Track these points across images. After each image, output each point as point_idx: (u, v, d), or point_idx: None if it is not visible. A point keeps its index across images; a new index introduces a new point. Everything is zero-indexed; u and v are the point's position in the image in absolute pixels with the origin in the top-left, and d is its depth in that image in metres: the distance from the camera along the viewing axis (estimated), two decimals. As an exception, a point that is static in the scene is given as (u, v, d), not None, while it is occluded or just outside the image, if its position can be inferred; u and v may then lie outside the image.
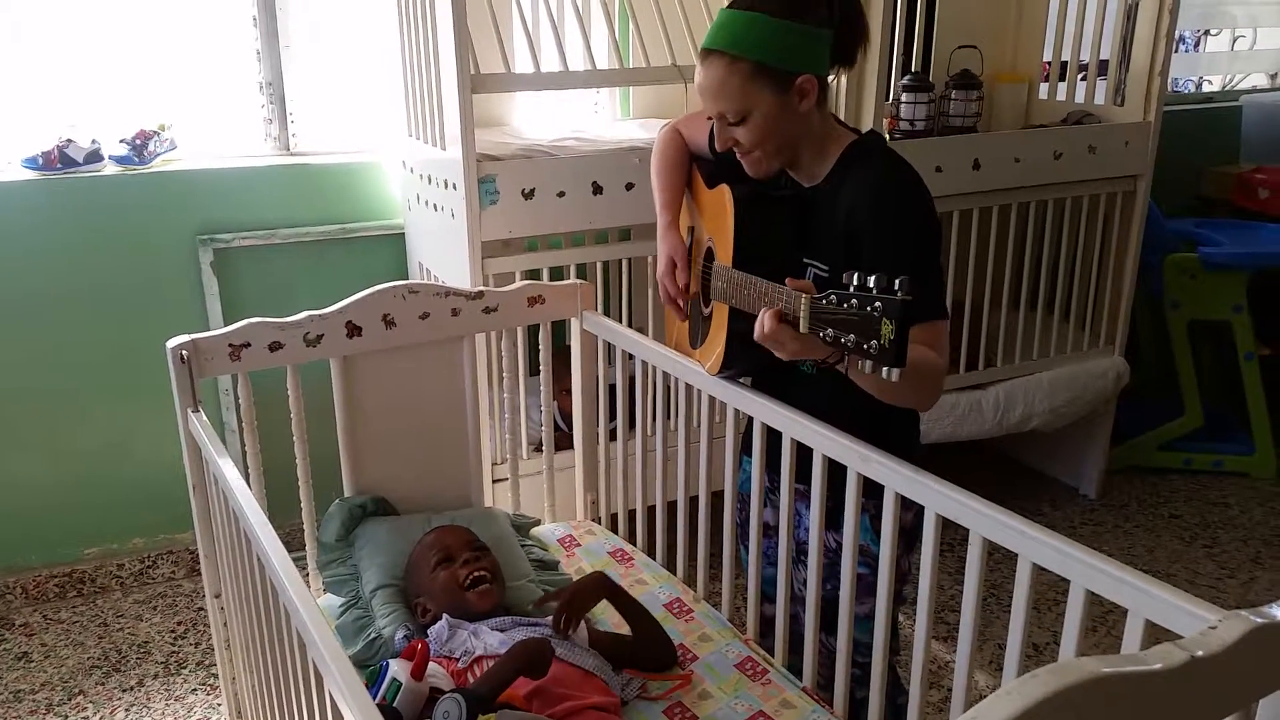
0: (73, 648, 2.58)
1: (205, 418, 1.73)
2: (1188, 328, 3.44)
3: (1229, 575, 2.91)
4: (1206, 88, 4.31)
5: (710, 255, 1.75)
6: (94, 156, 2.65)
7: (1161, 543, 3.07)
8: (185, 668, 2.50)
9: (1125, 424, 3.43)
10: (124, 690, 2.42)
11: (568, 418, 2.47)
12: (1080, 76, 3.15)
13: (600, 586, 1.70)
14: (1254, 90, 4.26)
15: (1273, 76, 4.36)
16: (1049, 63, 3.24)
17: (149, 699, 2.39)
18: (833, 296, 1.24)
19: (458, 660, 1.57)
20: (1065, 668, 0.79)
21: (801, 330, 1.31)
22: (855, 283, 1.22)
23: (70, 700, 2.38)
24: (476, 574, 1.67)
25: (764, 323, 1.35)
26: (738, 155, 1.62)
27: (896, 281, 1.16)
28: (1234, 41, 4.33)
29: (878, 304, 1.17)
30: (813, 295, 1.29)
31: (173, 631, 2.65)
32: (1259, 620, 0.90)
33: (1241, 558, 3.00)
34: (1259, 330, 3.41)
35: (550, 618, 1.71)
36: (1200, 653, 0.85)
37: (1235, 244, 3.36)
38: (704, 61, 1.55)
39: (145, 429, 2.77)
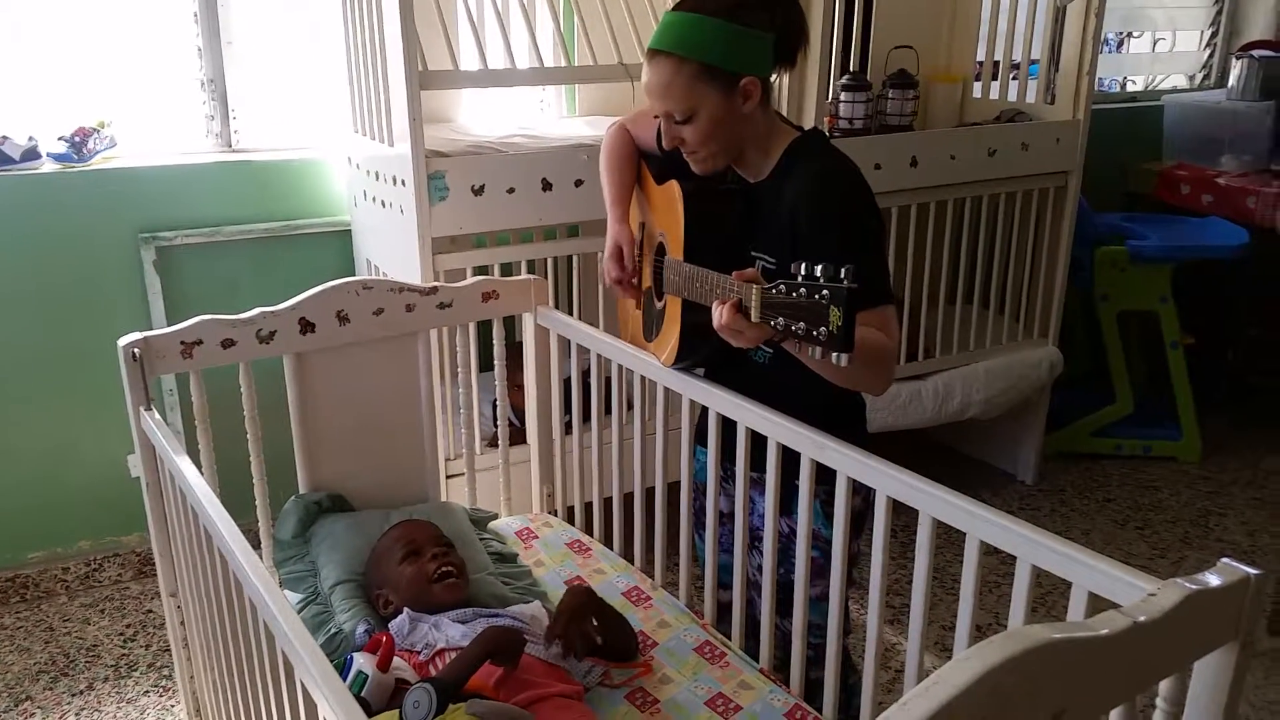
0: (18, 653, 2.53)
1: (159, 416, 1.72)
2: (1117, 318, 3.57)
3: (1160, 555, 3.02)
4: (1130, 88, 4.45)
5: (662, 250, 1.78)
6: (31, 154, 2.60)
7: (1096, 525, 3.19)
8: (136, 670, 2.47)
9: (1059, 412, 3.54)
10: (73, 695, 2.38)
11: (520, 413, 2.49)
12: (1011, 76, 3.25)
13: (589, 599, 1.70)
14: (1175, 90, 4.42)
15: (1191, 78, 4.53)
16: (981, 62, 3.33)
17: (100, 703, 2.36)
18: (781, 286, 1.29)
19: (419, 653, 1.59)
20: (1019, 634, 0.84)
21: (753, 319, 1.35)
22: (803, 273, 1.26)
23: (17, 706, 2.34)
24: (444, 568, 1.69)
25: (721, 314, 1.39)
26: (684, 153, 1.66)
27: (843, 270, 1.21)
28: (1155, 44, 4.49)
29: (825, 292, 1.22)
30: (763, 285, 1.33)
31: (121, 634, 2.61)
32: (1193, 587, 0.97)
33: (1171, 539, 3.13)
34: (1182, 320, 3.55)
35: (512, 608, 1.74)
36: (1142, 618, 0.91)
37: (1161, 237, 3.48)
38: (651, 62, 1.59)
39: (89, 430, 2.73)
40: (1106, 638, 0.89)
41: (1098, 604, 1.19)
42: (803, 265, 1.25)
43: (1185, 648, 1.00)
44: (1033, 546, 1.23)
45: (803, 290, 1.24)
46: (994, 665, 0.81)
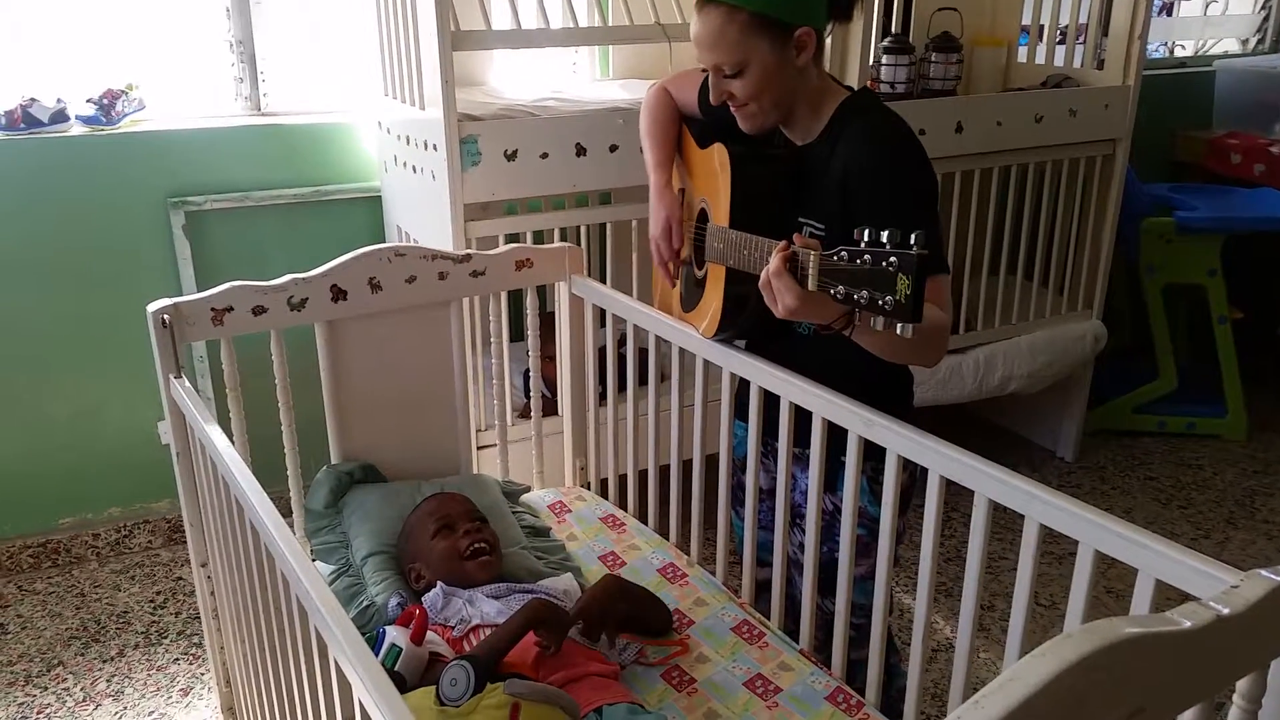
0: (50, 619, 2.53)
1: (189, 384, 1.69)
2: (1162, 291, 3.47)
3: (1204, 536, 2.95)
4: (1179, 53, 4.32)
5: (703, 216, 1.72)
6: (59, 116, 2.57)
7: (1138, 504, 3.12)
8: (166, 637, 2.46)
9: (1101, 387, 3.46)
10: (104, 661, 2.38)
11: (551, 385, 2.44)
12: (1058, 40, 3.15)
13: (617, 591, 1.64)
14: (1226, 55, 4.28)
15: (1244, 42, 4.39)
16: (1027, 26, 3.23)
17: (130, 669, 2.35)
18: (843, 252, 1.23)
19: (453, 628, 1.55)
20: (1098, 628, 0.79)
21: (810, 288, 1.29)
22: (866, 238, 1.20)
23: (49, 671, 2.34)
24: (477, 544, 1.65)
25: (772, 264, 1.33)
26: (733, 109, 1.60)
27: (912, 236, 1.15)
28: (1206, 6, 4.34)
29: (892, 259, 1.15)
30: (821, 252, 1.27)
31: (152, 601, 2.61)
32: (1279, 579, 0.91)
33: (1216, 519, 3.05)
34: (1231, 294, 3.45)
35: (544, 582, 1.70)
36: (1226, 611, 0.85)
37: (1210, 208, 3.38)
38: (700, 11, 1.52)
39: (118, 396, 2.72)
40: (1189, 632, 0.83)
41: (1164, 592, 1.14)
42: (866, 231, 1.19)
43: (1266, 644, 0.94)
44: (1096, 530, 1.18)
45: (867, 257, 1.18)
46: (1073, 662, 0.75)
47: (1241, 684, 0.98)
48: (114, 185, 2.60)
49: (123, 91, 2.63)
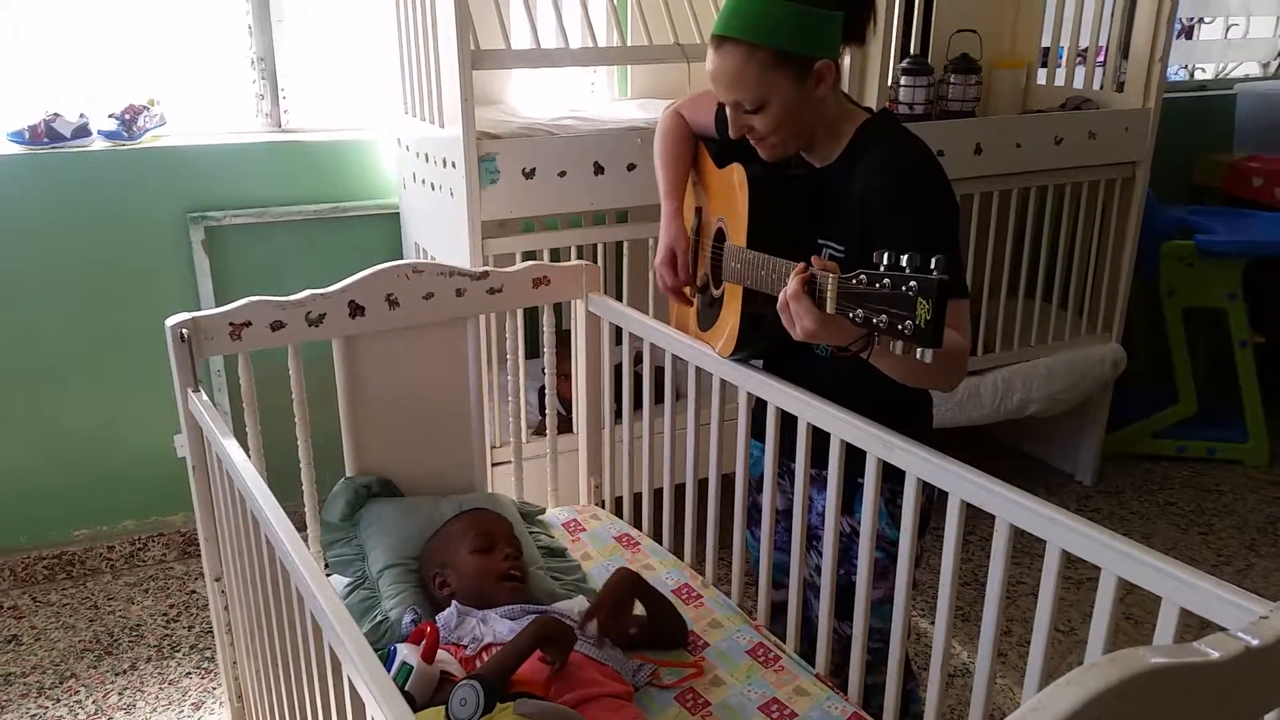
0: (63, 630, 2.54)
1: (206, 398, 1.69)
2: (1182, 315, 3.45)
3: (1225, 563, 2.92)
4: (1200, 76, 4.30)
5: (720, 236, 1.72)
6: (82, 131, 2.59)
7: (1157, 530, 3.09)
8: (179, 651, 2.46)
9: (1119, 411, 3.43)
10: (116, 674, 2.38)
11: (566, 402, 2.44)
12: (1077, 62, 3.14)
13: (632, 585, 1.67)
14: (1247, 79, 4.26)
15: (1265, 65, 4.37)
16: (1047, 48, 3.23)
17: (142, 682, 2.35)
18: (862, 276, 1.22)
19: (465, 647, 1.55)
20: (1124, 658, 0.77)
21: (828, 310, 1.28)
22: (886, 261, 1.19)
23: (62, 684, 2.34)
24: (513, 570, 1.66)
25: (790, 286, 1.32)
26: (752, 141, 1.59)
27: (933, 260, 1.14)
28: (1227, 30, 4.33)
29: (913, 283, 1.14)
30: (840, 274, 1.26)
31: (165, 614, 2.61)
32: (1309, 609, 0.89)
33: (1237, 545, 3.01)
34: (1252, 318, 3.42)
35: (559, 604, 1.69)
36: (1255, 642, 0.84)
37: (1231, 232, 3.36)
38: (718, 49, 1.51)
39: (135, 409, 2.72)
40: (1218, 663, 0.81)
41: (1184, 619, 1.12)
42: (885, 254, 1.18)
43: (1295, 676, 0.92)
44: (1120, 558, 1.16)
45: (887, 280, 1.17)
46: (1098, 693, 0.74)
47: (1269, 717, 0.96)
48: (134, 200, 2.62)
49: (144, 107, 2.65)
